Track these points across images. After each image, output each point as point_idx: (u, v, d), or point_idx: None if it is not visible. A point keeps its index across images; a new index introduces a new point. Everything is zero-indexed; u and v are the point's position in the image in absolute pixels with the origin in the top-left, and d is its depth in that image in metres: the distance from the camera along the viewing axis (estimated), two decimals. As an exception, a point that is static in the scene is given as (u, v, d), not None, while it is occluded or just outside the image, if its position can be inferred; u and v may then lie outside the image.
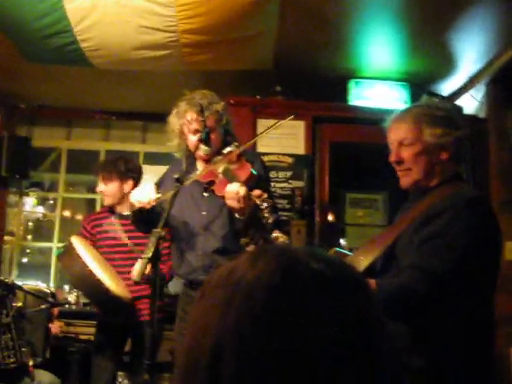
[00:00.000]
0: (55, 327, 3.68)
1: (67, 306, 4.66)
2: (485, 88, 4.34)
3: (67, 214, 6.86)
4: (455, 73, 4.39)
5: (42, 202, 6.38)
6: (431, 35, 3.88)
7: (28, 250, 6.79)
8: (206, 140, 2.70)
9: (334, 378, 0.62)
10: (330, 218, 4.19)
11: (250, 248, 2.10)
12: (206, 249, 2.74)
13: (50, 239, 5.84)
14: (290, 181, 4.19)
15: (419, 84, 4.48)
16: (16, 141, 5.27)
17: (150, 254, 2.15)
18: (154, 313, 2.25)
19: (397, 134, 2.03)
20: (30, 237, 6.59)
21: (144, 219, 2.70)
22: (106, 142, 5.79)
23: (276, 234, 2.10)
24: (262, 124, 4.00)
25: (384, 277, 1.91)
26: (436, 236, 1.81)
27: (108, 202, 3.58)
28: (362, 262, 1.95)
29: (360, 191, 4.60)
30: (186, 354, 0.68)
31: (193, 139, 2.77)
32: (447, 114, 2.07)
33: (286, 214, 4.05)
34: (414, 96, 4.43)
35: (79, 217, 7.08)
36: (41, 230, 6.85)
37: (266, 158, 3.78)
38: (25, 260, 6.59)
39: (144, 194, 2.64)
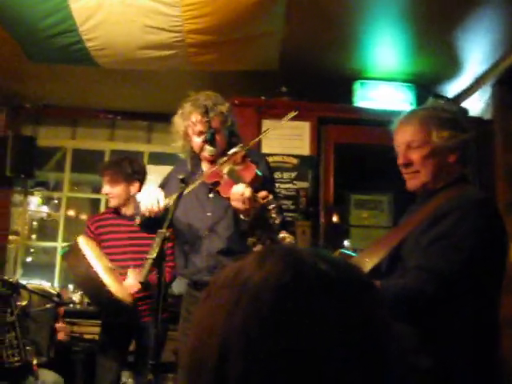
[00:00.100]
0: (61, 333, 3.67)
1: (72, 305, 4.67)
2: (491, 89, 4.33)
3: (72, 213, 6.88)
4: (461, 74, 4.38)
5: (46, 201, 6.40)
6: (437, 36, 3.88)
7: (32, 250, 6.81)
8: (211, 141, 2.69)
9: (340, 379, 0.61)
10: (335, 219, 4.18)
11: (257, 248, 2.10)
12: (211, 250, 2.73)
13: (54, 239, 5.86)
14: (295, 182, 4.19)
15: (425, 85, 4.48)
16: (21, 140, 5.29)
17: (154, 255, 2.15)
18: (158, 313, 2.24)
19: (404, 137, 2.02)
20: (34, 236, 6.60)
21: (151, 224, 2.70)
22: (111, 141, 5.80)
23: (283, 234, 2.10)
24: (267, 125, 4.00)
25: (389, 278, 1.91)
26: (442, 237, 1.81)
27: (114, 203, 3.58)
28: (367, 263, 1.94)
29: (365, 192, 4.59)
30: (190, 354, 0.68)
31: (197, 141, 2.76)
32: (454, 116, 2.07)
33: (290, 214, 4.05)
34: (420, 97, 4.42)
35: (84, 216, 7.09)
36: (45, 229, 6.87)
37: (270, 159, 3.77)
38: (29, 259, 6.60)
39: (153, 201, 2.62)
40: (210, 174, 2.67)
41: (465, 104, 4.58)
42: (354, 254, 2.19)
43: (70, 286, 5.13)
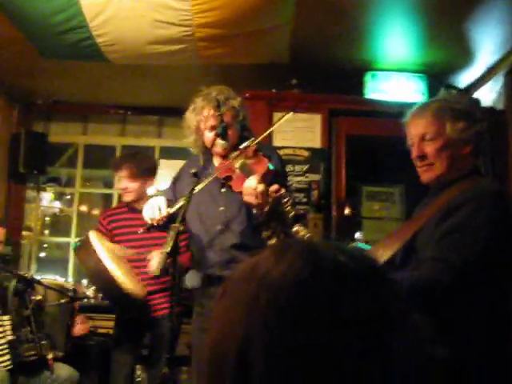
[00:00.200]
0: (78, 329, 3.70)
1: (86, 300, 4.70)
2: (503, 79, 4.29)
3: (84, 208, 6.92)
4: (473, 64, 4.35)
5: (59, 197, 6.44)
6: (448, 26, 3.85)
7: (46, 245, 6.86)
8: (223, 135, 2.69)
9: (359, 372, 0.61)
10: (347, 211, 4.17)
11: (272, 241, 2.10)
12: (224, 244, 2.73)
13: (67, 234, 5.90)
14: (307, 174, 4.18)
15: (437, 75, 4.45)
16: (33, 137, 5.33)
17: (169, 249, 2.16)
18: (172, 306, 2.26)
19: (417, 129, 2.01)
20: (47, 232, 6.65)
21: (157, 228, 2.72)
22: (122, 136, 5.82)
23: (297, 227, 2.10)
24: (278, 118, 3.99)
25: (404, 270, 1.91)
26: (457, 229, 1.81)
27: (130, 198, 3.56)
28: (382, 255, 1.94)
29: (376, 184, 4.58)
30: (211, 349, 0.68)
31: (209, 135, 2.76)
32: (467, 107, 2.05)
33: (302, 207, 4.05)
34: (432, 87, 4.40)
35: (96, 211, 7.13)
36: (58, 224, 6.92)
37: (281, 152, 3.77)
38: (43, 255, 6.65)
39: (155, 210, 2.64)
40: (222, 169, 2.67)
41: (477, 94, 4.55)
42: (367, 247, 2.19)
43: (84, 281, 5.16)
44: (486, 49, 4.10)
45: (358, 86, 4.48)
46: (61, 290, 3.70)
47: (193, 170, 2.51)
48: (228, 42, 3.85)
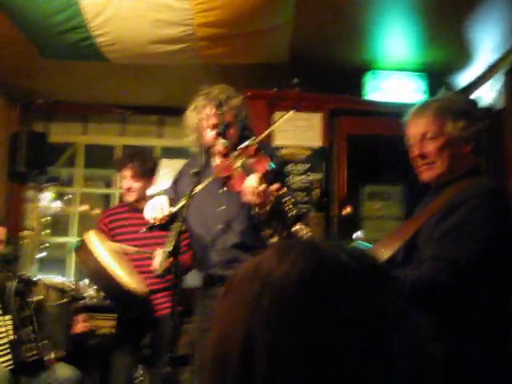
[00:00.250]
0: (79, 327, 3.70)
1: (87, 299, 4.70)
2: (503, 78, 4.29)
3: (84, 208, 6.91)
4: (473, 63, 4.35)
5: (59, 196, 6.43)
6: (448, 25, 3.85)
7: (46, 245, 6.85)
8: (223, 133, 2.69)
9: (360, 371, 0.62)
10: (348, 210, 4.17)
11: (273, 240, 2.10)
12: (226, 244, 2.73)
13: (67, 234, 5.89)
14: (308, 173, 4.18)
15: (437, 74, 4.45)
16: (33, 136, 5.32)
17: (170, 248, 2.16)
18: (174, 306, 2.26)
19: (418, 128, 2.01)
20: (47, 231, 6.64)
21: (159, 228, 2.72)
22: (123, 136, 5.81)
23: (298, 226, 2.10)
24: (279, 116, 4.00)
25: (404, 269, 1.91)
26: (457, 227, 1.81)
27: (132, 198, 3.55)
28: (383, 254, 1.94)
29: (377, 184, 4.58)
30: (214, 347, 0.68)
31: (210, 134, 2.76)
32: (466, 106, 2.06)
33: (303, 206, 4.05)
34: (432, 87, 4.39)
35: (97, 211, 7.12)
36: (58, 224, 6.91)
37: (283, 151, 3.77)
38: (43, 254, 6.64)
39: (157, 210, 2.64)
40: (222, 168, 2.67)
41: (477, 93, 4.55)
42: (368, 245, 2.19)
43: (85, 281, 5.16)
44: (486, 48, 4.10)
45: (359, 85, 4.48)
46: (61, 290, 3.70)
47: (193, 170, 2.51)
48: (228, 41, 3.85)
